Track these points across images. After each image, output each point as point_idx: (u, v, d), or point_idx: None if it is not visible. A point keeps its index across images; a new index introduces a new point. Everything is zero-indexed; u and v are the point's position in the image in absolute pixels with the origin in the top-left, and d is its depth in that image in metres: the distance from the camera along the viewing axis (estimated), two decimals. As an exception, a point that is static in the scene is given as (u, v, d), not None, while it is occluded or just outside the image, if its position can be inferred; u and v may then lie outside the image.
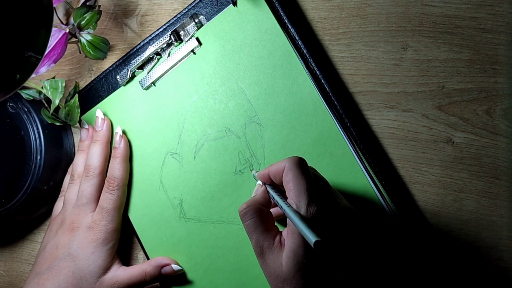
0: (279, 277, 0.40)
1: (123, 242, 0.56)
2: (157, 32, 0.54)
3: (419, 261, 0.47)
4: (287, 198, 0.41)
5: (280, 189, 0.44)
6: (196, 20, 0.53)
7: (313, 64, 0.49)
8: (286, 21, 0.49)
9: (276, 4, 0.50)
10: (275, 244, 0.41)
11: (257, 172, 0.48)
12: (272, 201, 0.44)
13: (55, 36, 0.52)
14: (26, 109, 0.56)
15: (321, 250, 0.39)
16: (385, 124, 0.49)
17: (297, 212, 0.39)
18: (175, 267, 0.52)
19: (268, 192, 0.44)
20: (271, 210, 0.45)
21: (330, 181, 0.48)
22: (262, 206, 0.43)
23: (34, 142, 0.55)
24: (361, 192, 0.48)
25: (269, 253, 0.40)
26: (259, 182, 0.45)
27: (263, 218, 0.42)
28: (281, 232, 0.42)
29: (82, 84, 0.59)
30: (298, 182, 0.40)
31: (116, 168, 0.54)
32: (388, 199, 0.47)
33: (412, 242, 0.47)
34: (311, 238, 0.36)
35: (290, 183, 0.40)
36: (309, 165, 0.42)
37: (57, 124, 0.56)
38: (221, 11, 0.51)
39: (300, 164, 0.41)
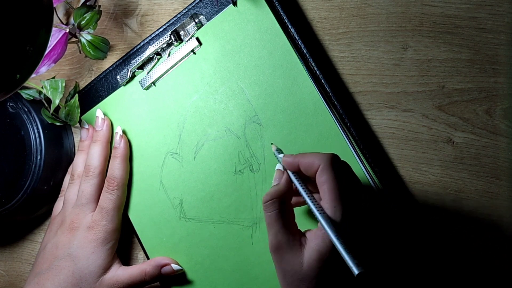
0: (296, 275, 0.39)
1: (123, 242, 0.56)
2: (157, 32, 0.54)
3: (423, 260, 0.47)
4: (317, 191, 0.40)
5: (306, 179, 0.43)
6: (196, 20, 0.53)
7: (313, 64, 0.49)
8: (286, 21, 0.49)
9: (276, 4, 0.50)
10: (295, 242, 0.40)
11: (280, 152, 0.46)
12: (294, 189, 0.43)
13: (55, 36, 0.52)
14: (26, 109, 0.56)
15: (362, 281, 0.38)
16: (385, 124, 0.49)
17: (338, 232, 0.38)
18: (175, 267, 0.52)
19: (301, 193, 0.42)
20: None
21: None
22: (286, 198, 0.42)
23: (34, 142, 0.55)
24: (361, 192, 0.48)
25: (288, 249, 0.40)
26: (279, 167, 0.44)
27: (285, 212, 0.41)
28: (300, 231, 0.41)
29: (82, 84, 0.59)
30: (335, 186, 0.39)
31: (116, 168, 0.54)
32: (388, 199, 0.47)
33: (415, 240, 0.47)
34: (354, 269, 0.36)
35: (326, 185, 0.40)
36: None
37: (57, 124, 0.56)
38: (221, 11, 0.51)
39: (335, 166, 0.40)
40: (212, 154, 0.52)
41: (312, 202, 0.40)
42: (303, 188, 0.42)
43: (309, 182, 0.43)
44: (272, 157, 0.50)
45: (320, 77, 0.49)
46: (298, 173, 0.43)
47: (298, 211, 0.46)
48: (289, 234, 0.40)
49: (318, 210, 0.39)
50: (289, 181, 0.43)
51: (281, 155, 0.45)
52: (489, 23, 0.46)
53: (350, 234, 0.38)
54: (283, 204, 0.41)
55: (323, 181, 0.40)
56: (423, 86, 0.48)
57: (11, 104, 0.57)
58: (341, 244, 0.37)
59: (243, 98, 0.51)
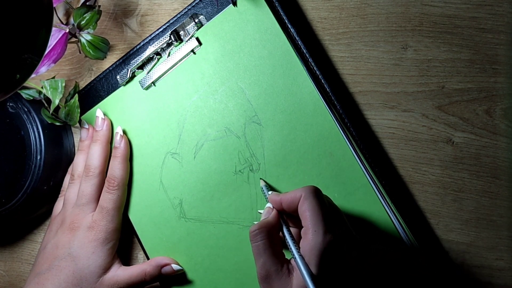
0: None
1: (123, 242, 0.56)
2: (157, 32, 0.54)
3: None
4: (302, 227, 0.41)
5: (290, 216, 0.45)
6: (196, 20, 0.53)
7: (313, 64, 0.49)
8: (286, 21, 0.49)
9: (276, 4, 0.50)
10: (283, 270, 0.40)
11: (266, 185, 0.49)
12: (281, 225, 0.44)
13: (55, 36, 0.52)
14: (26, 109, 0.56)
15: None
16: (385, 124, 0.49)
17: (308, 268, 0.39)
18: (175, 267, 0.52)
19: (283, 231, 0.43)
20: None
21: (330, 181, 0.48)
22: (273, 230, 0.43)
23: (34, 142, 0.55)
24: (361, 193, 0.48)
25: (277, 278, 0.40)
26: (270, 205, 0.45)
27: (273, 242, 0.42)
28: (287, 260, 0.42)
29: (82, 84, 0.59)
30: (315, 211, 0.40)
31: (116, 168, 0.54)
32: (388, 199, 0.47)
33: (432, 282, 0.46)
34: None
35: (307, 212, 0.40)
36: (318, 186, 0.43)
37: (57, 124, 0.56)
38: (221, 11, 0.51)
39: (316, 193, 0.41)
40: (212, 154, 0.52)
41: (295, 248, 0.41)
42: (290, 237, 0.43)
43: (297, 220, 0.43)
44: (272, 157, 0.50)
45: (320, 77, 0.49)
46: (285, 213, 0.44)
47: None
48: (277, 264, 0.41)
49: (298, 254, 0.40)
50: (278, 216, 0.44)
51: (269, 192, 0.47)
52: (489, 23, 0.46)
53: (327, 245, 0.39)
54: (270, 234, 0.42)
55: (304, 209, 0.41)
56: (423, 86, 0.48)
57: (11, 104, 0.57)
58: (309, 277, 0.38)
59: (243, 98, 0.51)
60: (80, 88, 0.58)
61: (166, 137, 0.54)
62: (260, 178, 0.50)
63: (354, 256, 0.40)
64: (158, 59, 0.54)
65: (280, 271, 0.40)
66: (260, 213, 0.48)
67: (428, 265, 0.46)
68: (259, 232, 0.42)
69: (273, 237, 0.42)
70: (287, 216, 0.45)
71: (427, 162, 0.48)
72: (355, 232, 0.43)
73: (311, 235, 0.40)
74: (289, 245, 0.41)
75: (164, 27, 0.54)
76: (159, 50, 0.54)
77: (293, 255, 0.40)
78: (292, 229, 0.45)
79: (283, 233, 0.43)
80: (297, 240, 0.43)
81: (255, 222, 0.49)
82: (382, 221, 0.47)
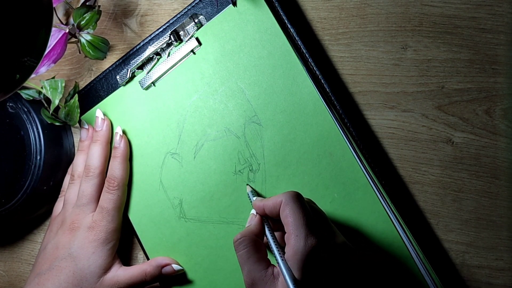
0: None
1: (123, 242, 0.56)
2: (157, 32, 0.54)
3: None
4: (285, 232, 0.41)
5: (276, 221, 0.45)
6: (196, 20, 0.53)
7: (313, 64, 0.49)
8: (286, 21, 0.49)
9: (276, 4, 0.50)
10: (267, 276, 0.41)
11: (252, 191, 0.49)
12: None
13: (55, 36, 0.52)
14: (26, 109, 0.56)
15: None
16: (385, 124, 0.49)
17: (291, 272, 0.39)
18: (175, 267, 0.52)
19: (266, 235, 0.44)
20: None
21: (330, 181, 0.48)
22: (256, 237, 0.43)
23: (34, 142, 0.55)
24: (361, 193, 0.48)
25: (262, 284, 0.40)
26: (253, 211, 0.45)
27: (256, 249, 0.42)
28: (273, 265, 0.42)
29: (82, 84, 0.59)
30: (296, 216, 0.40)
31: (116, 168, 0.54)
32: (388, 199, 0.47)
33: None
34: None
35: (288, 217, 0.41)
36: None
37: (57, 124, 0.56)
38: (221, 11, 0.51)
39: (297, 198, 0.42)
40: (211, 154, 0.52)
41: (278, 250, 0.41)
42: (273, 240, 0.43)
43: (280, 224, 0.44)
44: (272, 157, 0.50)
45: (319, 77, 0.49)
46: (268, 218, 0.45)
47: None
48: (261, 270, 0.41)
49: (279, 254, 0.41)
50: (261, 222, 0.44)
51: (254, 198, 0.47)
52: (489, 23, 0.46)
53: (310, 249, 0.39)
54: (253, 242, 0.42)
55: (286, 214, 0.41)
56: (422, 86, 0.48)
57: (11, 104, 0.57)
58: (290, 279, 0.39)
59: (242, 98, 0.51)
60: (80, 88, 0.58)
61: (166, 137, 0.54)
62: (247, 184, 0.50)
63: (338, 259, 0.41)
64: (158, 59, 0.54)
65: (264, 277, 0.40)
66: (250, 196, 0.48)
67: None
68: (242, 241, 0.42)
69: (257, 244, 0.42)
70: (273, 221, 0.45)
71: (427, 162, 0.48)
72: (356, 240, 0.43)
73: (293, 240, 0.40)
74: (273, 251, 0.42)
75: (164, 27, 0.54)
76: (159, 50, 0.54)
77: (277, 260, 0.40)
78: (278, 234, 0.45)
79: (267, 238, 0.43)
80: (283, 245, 0.43)
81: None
82: (382, 221, 0.47)
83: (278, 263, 0.40)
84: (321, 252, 0.40)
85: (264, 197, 0.49)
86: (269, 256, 0.44)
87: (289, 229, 0.40)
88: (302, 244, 0.39)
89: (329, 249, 0.40)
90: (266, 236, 0.44)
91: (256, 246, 0.42)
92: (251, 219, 0.45)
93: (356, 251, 0.43)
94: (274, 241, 0.43)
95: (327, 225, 0.42)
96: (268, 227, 0.44)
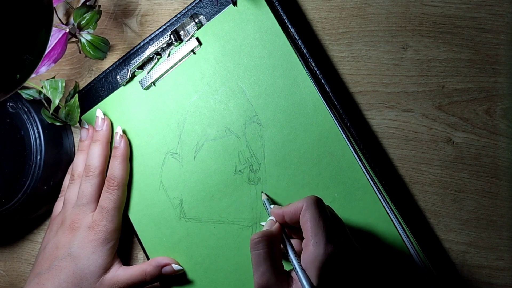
0: None
1: (123, 242, 0.56)
2: (157, 32, 0.54)
3: None
4: (303, 238, 0.41)
5: (291, 228, 0.44)
6: (196, 20, 0.53)
7: (313, 64, 0.49)
8: (286, 21, 0.49)
9: (276, 4, 0.50)
10: (282, 282, 0.40)
11: (268, 199, 0.49)
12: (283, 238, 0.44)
13: (55, 36, 0.52)
14: (26, 109, 0.56)
15: None
16: (385, 124, 0.49)
17: (309, 280, 0.39)
18: (175, 267, 0.52)
19: (285, 244, 0.43)
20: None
21: (330, 181, 0.48)
22: (275, 240, 0.42)
23: (34, 142, 0.55)
24: (361, 193, 0.48)
25: None
26: (273, 218, 0.45)
27: (274, 252, 0.41)
28: (287, 272, 0.41)
29: (82, 84, 0.59)
30: (316, 222, 0.40)
31: (116, 168, 0.54)
32: (388, 199, 0.47)
33: None
34: None
35: (308, 223, 0.40)
36: (324, 201, 0.42)
37: (57, 124, 0.56)
38: (221, 11, 0.51)
39: (318, 204, 0.41)
40: (212, 154, 0.52)
41: (296, 260, 0.41)
42: (291, 249, 0.42)
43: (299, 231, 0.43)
44: (272, 157, 0.50)
45: (320, 77, 0.49)
46: (287, 228, 0.44)
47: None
48: (276, 275, 0.40)
49: (297, 261, 0.40)
50: (280, 228, 0.44)
51: (271, 206, 0.47)
52: (489, 23, 0.46)
53: (328, 256, 0.39)
54: (272, 244, 0.41)
55: (306, 220, 0.41)
56: (423, 86, 0.48)
57: (11, 104, 0.57)
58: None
59: (243, 98, 0.51)
60: (80, 88, 0.58)
61: (166, 137, 0.54)
62: (262, 192, 0.50)
63: (355, 267, 0.40)
64: (158, 59, 0.54)
65: (279, 283, 0.40)
66: (263, 225, 0.48)
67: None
68: (261, 241, 0.41)
69: (274, 247, 0.42)
70: (289, 228, 0.45)
71: (427, 162, 0.48)
72: (357, 242, 0.43)
73: (312, 246, 0.39)
74: (290, 257, 0.41)
75: (164, 27, 0.54)
76: (159, 50, 0.54)
77: (294, 267, 0.40)
78: (293, 240, 0.45)
79: (284, 245, 0.43)
80: (297, 251, 0.43)
81: (262, 223, 0.49)
82: (382, 221, 0.47)
83: (295, 270, 0.40)
84: (339, 259, 0.39)
85: (281, 205, 0.48)
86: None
87: (308, 234, 0.40)
88: (321, 252, 0.39)
89: (346, 257, 0.40)
90: (283, 243, 0.43)
91: (273, 249, 0.41)
92: (271, 224, 0.44)
93: (370, 259, 0.42)
94: (291, 248, 0.42)
95: (345, 233, 0.42)
96: (284, 234, 0.44)
